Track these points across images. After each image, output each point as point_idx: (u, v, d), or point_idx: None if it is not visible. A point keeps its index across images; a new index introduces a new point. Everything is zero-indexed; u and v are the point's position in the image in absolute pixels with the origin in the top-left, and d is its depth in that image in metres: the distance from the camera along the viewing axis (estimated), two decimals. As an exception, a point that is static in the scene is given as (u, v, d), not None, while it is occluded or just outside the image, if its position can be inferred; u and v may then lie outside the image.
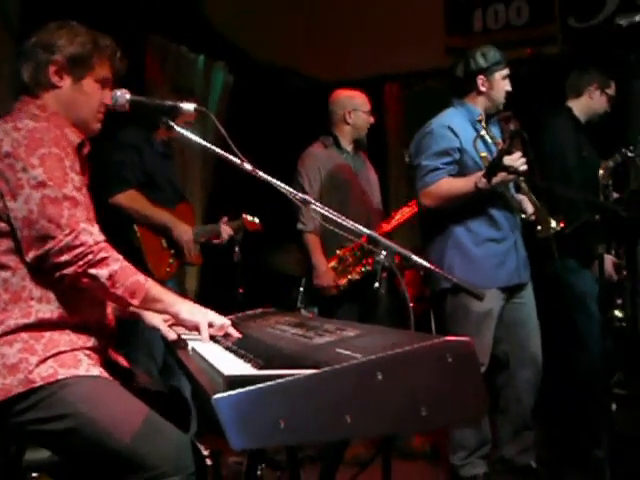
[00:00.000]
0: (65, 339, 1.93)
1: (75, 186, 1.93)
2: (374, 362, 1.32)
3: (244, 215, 4.18)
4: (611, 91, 4.01)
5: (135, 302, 1.93)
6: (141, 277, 1.95)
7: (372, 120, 4.18)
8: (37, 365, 1.85)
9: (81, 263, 1.86)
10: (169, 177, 3.86)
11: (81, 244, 1.86)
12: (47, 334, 1.91)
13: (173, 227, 3.68)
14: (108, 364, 2.09)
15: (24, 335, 1.88)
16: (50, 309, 1.92)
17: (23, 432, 1.87)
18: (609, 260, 3.75)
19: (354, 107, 4.12)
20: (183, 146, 5.12)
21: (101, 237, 1.92)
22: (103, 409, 1.83)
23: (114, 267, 1.89)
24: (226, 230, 4.00)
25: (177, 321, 2.07)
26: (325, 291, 3.94)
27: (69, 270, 1.86)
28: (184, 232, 3.72)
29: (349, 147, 4.19)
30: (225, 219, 4.03)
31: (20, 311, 1.90)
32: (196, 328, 2.01)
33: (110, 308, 2.17)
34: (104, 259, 1.88)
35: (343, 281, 3.94)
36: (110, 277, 1.88)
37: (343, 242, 3.83)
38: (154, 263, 3.59)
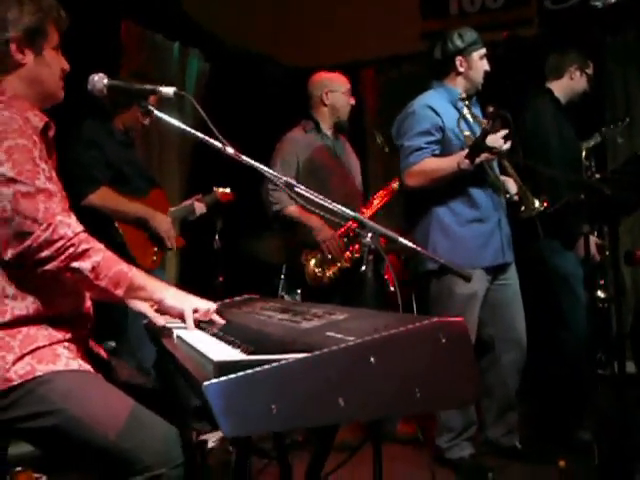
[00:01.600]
0: (43, 334, 1.87)
1: (46, 176, 1.85)
2: (367, 345, 1.30)
3: (215, 188, 4.21)
4: (590, 71, 4.03)
5: (120, 292, 1.87)
6: (124, 266, 1.90)
7: (352, 101, 4.13)
8: (14, 363, 1.79)
9: (63, 257, 1.79)
10: (135, 165, 3.81)
11: (60, 237, 1.79)
12: (24, 330, 1.85)
13: (150, 219, 3.66)
14: (89, 355, 2.04)
15: (0, 333, 1.83)
16: (25, 305, 1.86)
17: (5, 430, 1.83)
18: (592, 241, 3.76)
19: (331, 88, 4.06)
20: (160, 132, 5.09)
21: (80, 227, 1.85)
22: (85, 404, 1.78)
23: (96, 258, 1.83)
24: (200, 207, 4.06)
25: (161, 308, 2.01)
26: (329, 258, 3.88)
27: (51, 265, 1.80)
28: (161, 222, 3.70)
29: (329, 131, 4.13)
30: (199, 196, 4.09)
31: None
32: (180, 315, 1.97)
33: (88, 297, 2.11)
34: (86, 251, 1.82)
35: (333, 270, 3.89)
36: (93, 269, 1.82)
37: (330, 226, 3.82)
38: (140, 255, 3.56)
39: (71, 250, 1.80)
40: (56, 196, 1.85)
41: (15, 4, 1.95)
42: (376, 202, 4.07)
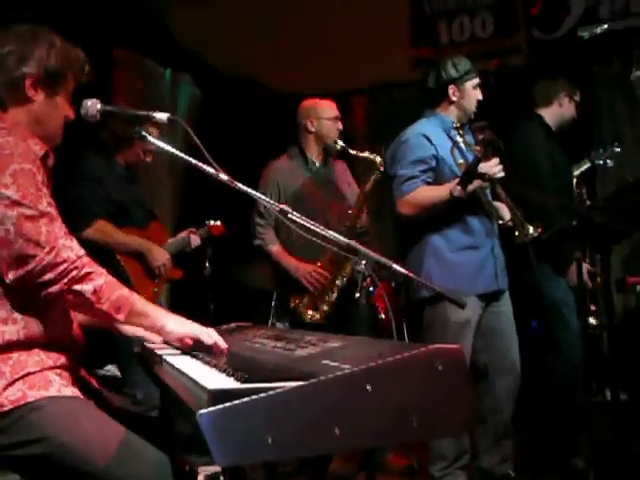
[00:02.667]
0: (34, 359, 1.85)
1: (48, 201, 1.87)
2: (363, 373, 1.28)
3: (207, 222, 4.27)
4: (577, 97, 4.09)
5: (121, 317, 1.88)
6: (125, 291, 1.90)
7: (340, 127, 3.99)
8: (5, 388, 1.78)
9: (65, 280, 1.80)
10: (137, 200, 3.86)
11: (63, 261, 1.80)
12: (14, 355, 1.83)
13: (147, 253, 3.73)
14: (80, 383, 2.02)
15: None
16: (17, 330, 1.84)
17: None
18: (584, 267, 3.77)
19: (317, 115, 3.96)
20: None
21: (82, 251, 1.86)
22: (76, 432, 1.76)
23: (99, 282, 1.84)
24: (195, 239, 4.13)
25: (162, 335, 2.01)
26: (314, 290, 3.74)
27: (54, 288, 1.80)
28: (157, 254, 3.75)
29: (316, 157, 4.01)
30: (192, 229, 4.16)
31: None
32: (181, 341, 1.96)
33: (76, 324, 2.09)
34: (88, 274, 1.83)
35: (326, 305, 3.73)
36: (95, 292, 1.83)
37: (317, 255, 3.72)
38: (141, 287, 3.59)
39: (74, 273, 1.81)
40: (58, 220, 1.87)
41: (45, 45, 2.00)
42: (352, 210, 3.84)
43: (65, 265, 1.80)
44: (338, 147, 3.86)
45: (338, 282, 3.73)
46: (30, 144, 1.95)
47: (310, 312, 3.73)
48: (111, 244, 3.59)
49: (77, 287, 1.81)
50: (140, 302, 1.93)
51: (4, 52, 1.98)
